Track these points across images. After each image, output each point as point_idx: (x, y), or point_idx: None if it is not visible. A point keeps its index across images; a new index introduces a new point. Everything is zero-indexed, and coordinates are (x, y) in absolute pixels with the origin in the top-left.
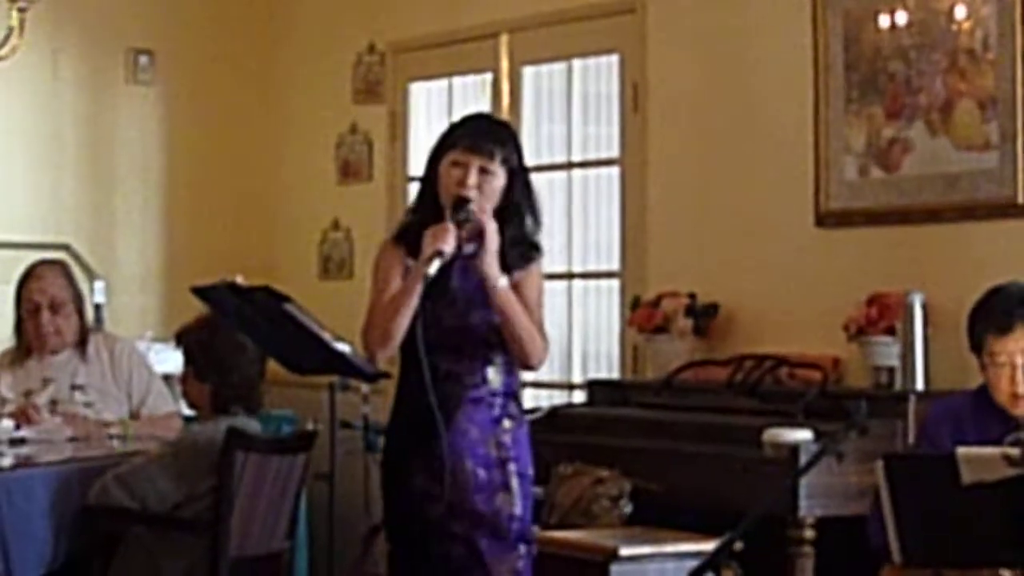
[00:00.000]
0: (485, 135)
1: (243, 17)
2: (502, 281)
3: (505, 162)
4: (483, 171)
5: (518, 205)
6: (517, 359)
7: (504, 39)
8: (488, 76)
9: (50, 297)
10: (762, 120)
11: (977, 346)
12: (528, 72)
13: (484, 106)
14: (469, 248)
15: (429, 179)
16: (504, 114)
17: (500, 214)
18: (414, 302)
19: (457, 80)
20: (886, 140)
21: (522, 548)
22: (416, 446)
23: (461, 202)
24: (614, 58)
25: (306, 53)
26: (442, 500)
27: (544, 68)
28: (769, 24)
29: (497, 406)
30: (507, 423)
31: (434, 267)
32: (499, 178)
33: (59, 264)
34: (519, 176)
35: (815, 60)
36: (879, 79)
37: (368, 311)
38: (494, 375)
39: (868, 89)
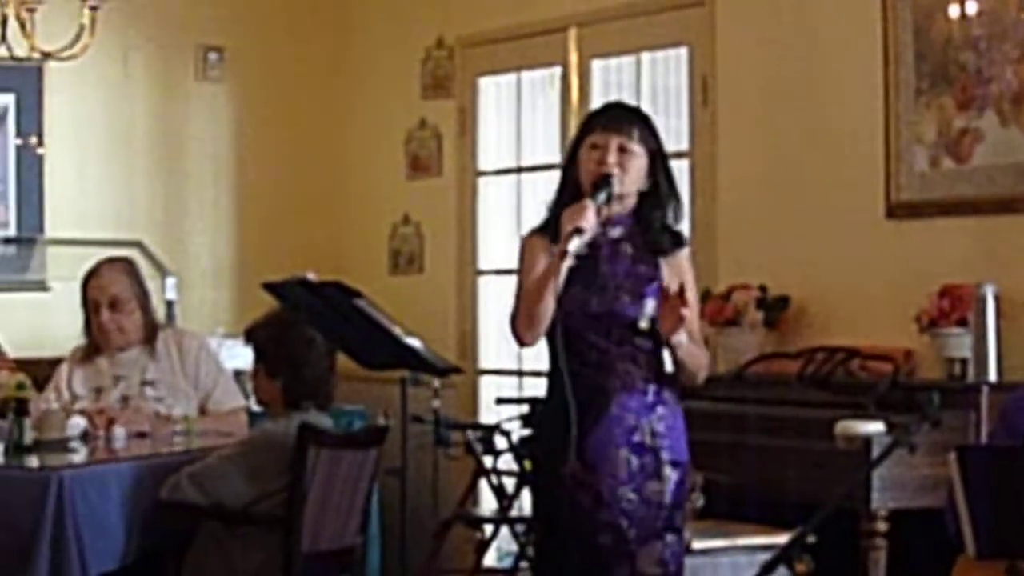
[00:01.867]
0: (622, 116)
1: (312, 13)
2: (681, 337)
3: (644, 142)
4: (622, 149)
5: (663, 188)
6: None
7: (573, 33)
8: (557, 70)
9: (110, 295)
10: (831, 112)
11: None
12: (597, 65)
13: (553, 100)
14: (615, 231)
15: (569, 169)
16: (573, 108)
17: (647, 198)
18: (558, 284)
19: (526, 74)
20: (957, 131)
21: (669, 538)
22: (568, 434)
23: (602, 179)
24: (683, 51)
25: (374, 48)
26: (592, 489)
27: (613, 61)
28: (838, 15)
29: (651, 392)
30: (661, 410)
31: (574, 244)
32: (640, 158)
33: (121, 261)
34: (660, 159)
35: (884, 51)
36: (949, 69)
37: (515, 299)
38: (645, 361)
39: (938, 80)
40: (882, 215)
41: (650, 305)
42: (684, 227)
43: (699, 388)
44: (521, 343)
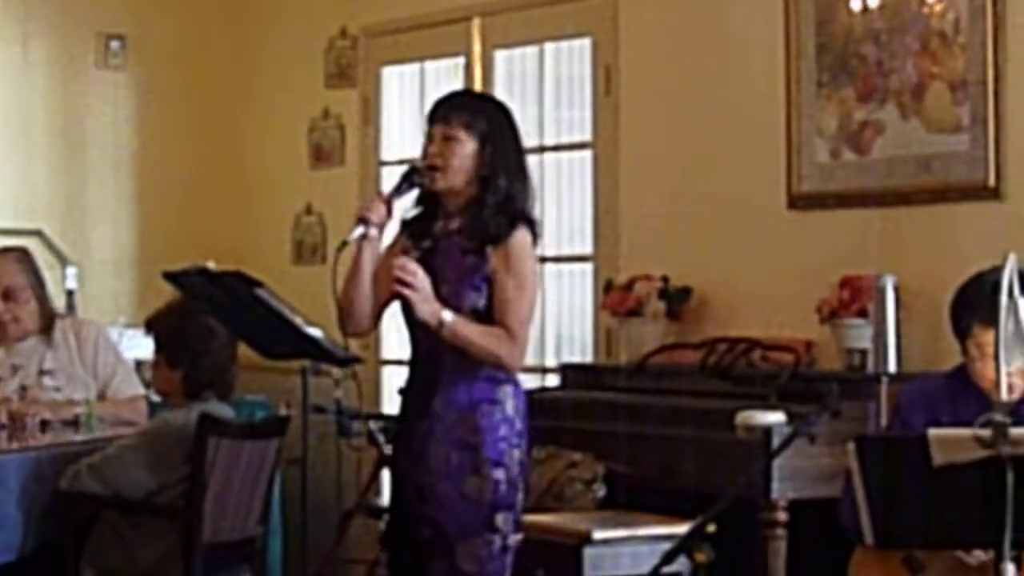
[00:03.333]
0: (447, 104)
1: (215, 2)
2: (446, 317)
3: (471, 128)
4: (447, 138)
5: (496, 171)
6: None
7: (476, 23)
8: (460, 60)
9: (4, 286)
10: (734, 103)
11: (962, 334)
12: (500, 56)
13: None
14: (454, 223)
15: None
16: None
17: (485, 184)
18: (359, 275)
19: (429, 64)
20: (858, 123)
21: (488, 536)
22: (402, 427)
23: (409, 171)
24: (586, 42)
25: (278, 38)
26: (415, 482)
27: (516, 52)
28: (741, 7)
29: (477, 389)
30: (486, 408)
31: (355, 234)
32: (466, 144)
33: (15, 251)
34: (494, 142)
35: (786, 43)
36: (851, 62)
37: None
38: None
39: (840, 72)
40: (783, 206)
41: (474, 297)
42: (535, 207)
43: (602, 379)
44: (344, 336)
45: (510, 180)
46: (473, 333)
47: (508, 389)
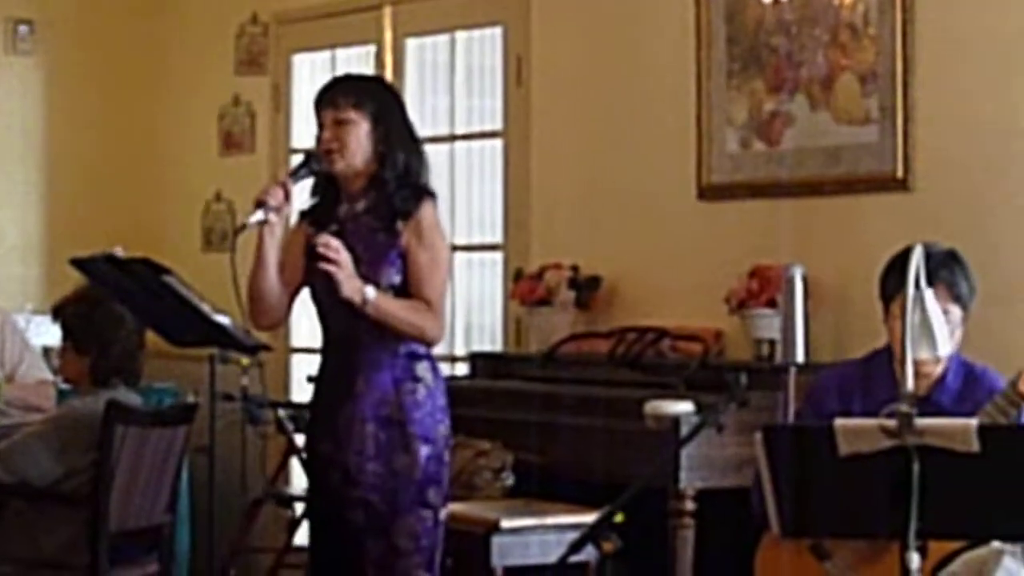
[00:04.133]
0: (332, 89)
1: None
2: (369, 294)
3: (360, 108)
4: (339, 122)
5: (392, 147)
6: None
7: (388, 11)
8: (372, 48)
9: None
10: (645, 93)
11: (888, 297)
12: (412, 44)
13: None
14: (360, 205)
15: None
16: None
17: (383, 162)
18: (264, 265)
19: (340, 52)
20: (767, 113)
21: (423, 512)
22: (320, 412)
23: (307, 156)
24: (497, 31)
25: (188, 24)
26: (341, 465)
27: (428, 40)
28: None
29: (399, 368)
30: (409, 385)
31: (254, 218)
32: (359, 125)
33: None
34: (385, 119)
35: (697, 34)
36: (761, 53)
37: None
38: (392, 336)
39: (750, 63)
40: (694, 196)
41: (391, 273)
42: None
43: (511, 368)
44: (256, 327)
45: (406, 154)
46: (397, 307)
47: (427, 365)
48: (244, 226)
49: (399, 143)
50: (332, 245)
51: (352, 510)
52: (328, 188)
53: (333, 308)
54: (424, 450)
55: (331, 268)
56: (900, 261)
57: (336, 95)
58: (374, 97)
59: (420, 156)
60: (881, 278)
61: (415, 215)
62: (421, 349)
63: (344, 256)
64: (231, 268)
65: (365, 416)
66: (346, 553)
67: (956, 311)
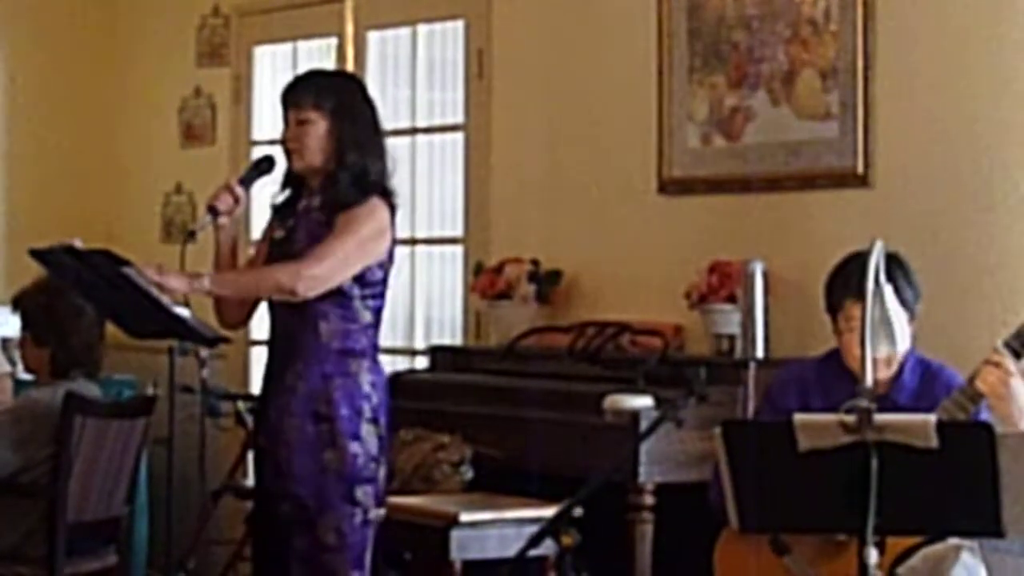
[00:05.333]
0: (296, 87)
1: None
2: (198, 285)
3: (319, 107)
4: (300, 122)
5: (348, 146)
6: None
7: (349, 4)
8: (333, 40)
9: None
10: (606, 87)
11: (834, 309)
12: (373, 37)
13: None
14: (314, 201)
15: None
16: None
17: (340, 159)
18: (218, 263)
19: (302, 44)
20: (728, 109)
21: (349, 509)
22: (260, 406)
23: (260, 160)
24: (459, 24)
25: (149, 15)
26: (273, 458)
27: (389, 33)
28: None
29: (331, 363)
30: (339, 381)
31: (201, 222)
32: (317, 125)
33: None
34: (344, 118)
35: (659, 29)
36: (722, 48)
37: None
38: (327, 331)
39: (711, 58)
40: (654, 191)
41: None
42: (390, 177)
43: (471, 361)
44: (221, 325)
45: (362, 154)
46: (236, 274)
47: (364, 363)
48: (193, 232)
49: (355, 143)
50: (146, 274)
51: (281, 503)
52: (295, 182)
53: (274, 302)
54: (353, 447)
55: (150, 290)
56: (842, 271)
57: (298, 94)
58: (335, 95)
59: (381, 155)
60: (827, 289)
61: (355, 208)
62: (357, 346)
63: (152, 274)
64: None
65: (295, 410)
66: (276, 546)
67: (903, 316)
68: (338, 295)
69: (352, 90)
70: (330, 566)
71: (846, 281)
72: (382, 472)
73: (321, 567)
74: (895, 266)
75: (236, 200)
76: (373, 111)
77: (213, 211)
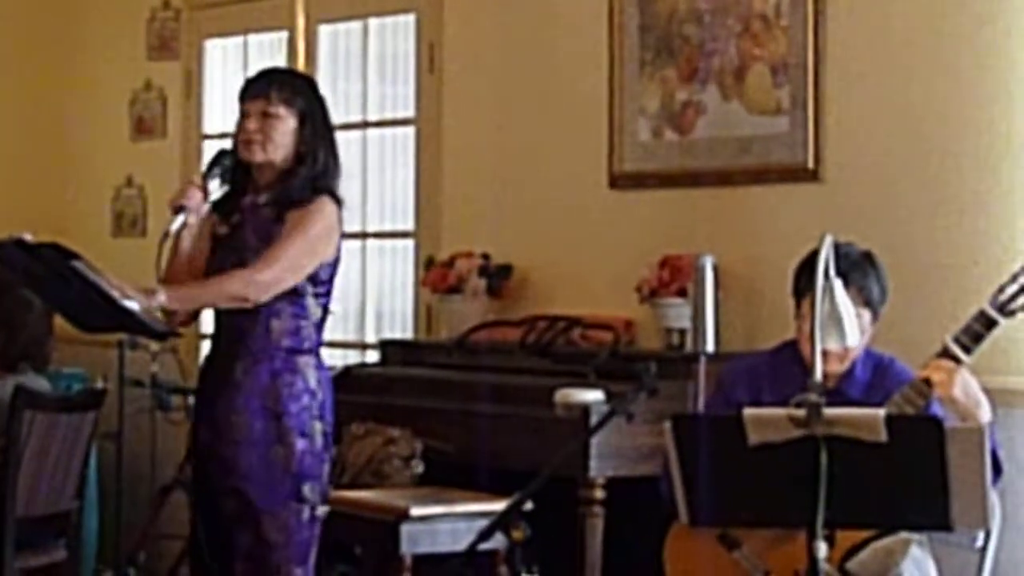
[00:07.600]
0: (264, 81)
1: None
2: (155, 302)
3: (291, 105)
4: (265, 115)
5: (314, 147)
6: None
7: None
8: (284, 34)
9: None
10: (558, 82)
11: (800, 294)
12: (324, 30)
13: (279, 65)
14: (263, 197)
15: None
16: None
17: (300, 158)
18: (178, 265)
19: (253, 38)
20: (679, 103)
21: (295, 506)
22: (202, 401)
23: (219, 154)
24: (410, 18)
25: (100, 8)
26: (218, 455)
27: (340, 26)
28: None
29: (279, 360)
30: (287, 378)
31: (176, 223)
32: (286, 121)
33: None
34: (311, 120)
35: (610, 22)
36: (673, 42)
37: None
38: (278, 328)
39: (662, 52)
40: (605, 185)
41: None
42: (345, 186)
43: (422, 355)
44: (172, 323)
45: (324, 157)
46: (193, 287)
47: (309, 360)
48: (168, 234)
49: (320, 146)
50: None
51: (225, 499)
52: (239, 178)
53: None
54: (300, 444)
55: (100, 283)
56: (814, 259)
57: (269, 87)
58: (304, 96)
59: (336, 161)
60: (795, 275)
61: (306, 205)
62: (306, 343)
63: (109, 281)
64: (156, 273)
65: (242, 406)
66: (220, 543)
67: (866, 315)
68: (292, 293)
69: (315, 92)
70: (275, 563)
71: (813, 270)
72: (327, 469)
73: (265, 564)
74: (867, 264)
75: (205, 195)
76: (330, 118)
77: (183, 209)
